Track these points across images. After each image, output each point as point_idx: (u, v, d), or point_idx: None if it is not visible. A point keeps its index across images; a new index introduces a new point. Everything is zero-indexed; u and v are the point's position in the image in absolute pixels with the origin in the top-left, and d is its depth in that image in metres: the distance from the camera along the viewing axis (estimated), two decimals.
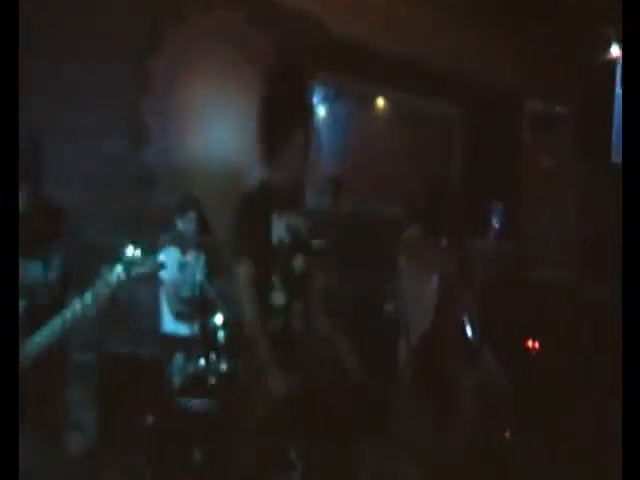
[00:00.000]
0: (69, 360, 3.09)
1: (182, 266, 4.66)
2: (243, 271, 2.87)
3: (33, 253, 2.81)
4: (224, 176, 5.60)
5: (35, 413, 2.76)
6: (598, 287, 6.40)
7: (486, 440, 3.95)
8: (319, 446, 3.14)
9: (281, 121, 2.97)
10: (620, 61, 5.57)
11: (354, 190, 6.17)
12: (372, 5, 6.40)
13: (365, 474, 4.18)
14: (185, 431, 4.05)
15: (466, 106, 7.48)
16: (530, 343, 6.31)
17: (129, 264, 2.71)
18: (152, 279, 4.61)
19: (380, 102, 7.08)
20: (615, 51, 6.17)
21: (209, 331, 4.38)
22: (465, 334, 3.86)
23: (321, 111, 6.70)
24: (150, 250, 2.75)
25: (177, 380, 4.19)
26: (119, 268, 2.71)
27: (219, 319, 4.40)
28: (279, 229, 2.92)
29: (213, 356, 4.20)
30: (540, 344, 6.31)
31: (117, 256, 2.71)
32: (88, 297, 2.71)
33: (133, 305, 4.80)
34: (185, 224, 4.61)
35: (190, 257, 4.66)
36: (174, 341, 4.54)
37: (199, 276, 4.62)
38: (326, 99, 6.73)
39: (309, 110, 3.12)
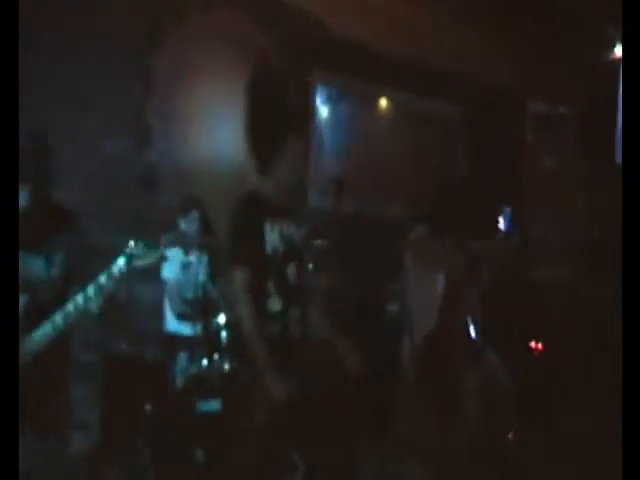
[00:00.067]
0: (71, 355, 3.13)
1: (185, 266, 4.66)
2: (239, 279, 2.93)
3: (35, 250, 2.86)
4: (227, 176, 5.59)
5: (38, 407, 2.81)
6: (601, 287, 6.39)
7: (489, 440, 3.95)
8: (321, 448, 3.15)
9: (272, 138, 3.03)
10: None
11: (356, 190, 6.18)
12: (373, 5, 6.40)
13: (368, 474, 4.18)
14: (188, 431, 4.05)
15: (468, 106, 7.49)
16: (533, 343, 6.31)
17: (131, 257, 2.77)
18: (155, 277, 4.64)
19: (382, 102, 7.08)
20: (619, 51, 6.18)
21: (212, 331, 4.38)
22: (469, 334, 3.86)
23: (323, 111, 6.70)
24: (151, 244, 2.82)
25: (180, 380, 4.18)
26: (121, 261, 2.77)
27: (222, 319, 4.41)
28: (273, 237, 2.98)
29: (216, 356, 4.20)
30: (543, 344, 6.30)
31: (120, 250, 2.76)
32: (91, 290, 2.76)
33: (136, 305, 4.81)
34: (188, 224, 4.60)
35: (193, 257, 4.66)
36: (177, 341, 4.54)
37: (202, 276, 4.62)
38: (328, 100, 6.73)
39: (301, 126, 3.14)
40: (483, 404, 3.87)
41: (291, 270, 3.04)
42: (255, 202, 3.03)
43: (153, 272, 4.70)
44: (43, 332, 2.79)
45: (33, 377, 2.78)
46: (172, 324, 4.72)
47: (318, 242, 5.58)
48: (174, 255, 4.69)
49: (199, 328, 4.48)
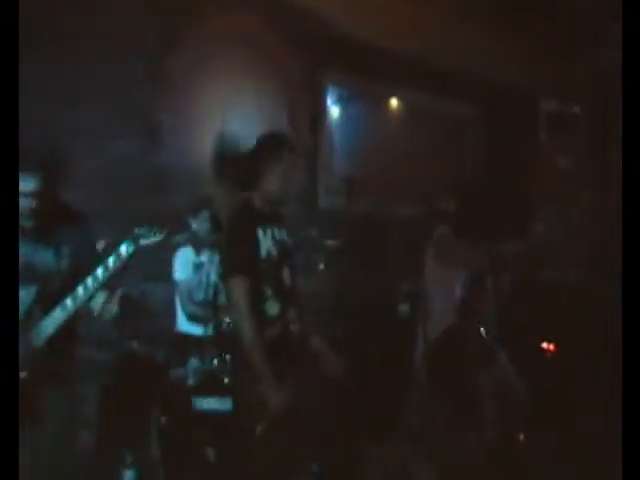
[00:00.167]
0: (80, 346, 3.18)
1: (196, 266, 4.66)
2: (237, 287, 2.97)
3: (45, 242, 2.94)
4: None
5: (46, 395, 2.89)
6: (612, 288, 6.35)
7: (502, 441, 3.93)
8: (328, 450, 3.17)
9: (263, 157, 3.14)
10: None
11: (367, 190, 6.16)
12: (386, 5, 6.38)
13: (379, 476, 4.16)
14: (199, 430, 4.05)
15: (480, 106, 7.46)
16: (545, 345, 6.28)
17: (137, 237, 2.87)
18: (166, 277, 4.66)
19: (393, 102, 7.07)
20: None
21: (223, 331, 4.37)
22: (483, 335, 3.85)
23: (334, 112, 6.69)
24: (156, 227, 2.90)
25: (191, 379, 4.18)
26: (128, 242, 2.87)
27: None
28: (266, 242, 3.06)
29: (227, 356, 4.19)
30: (555, 346, 6.27)
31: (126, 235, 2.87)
32: (99, 271, 2.86)
33: (148, 304, 4.82)
34: (199, 224, 4.61)
35: (204, 257, 4.65)
36: (188, 341, 4.53)
37: (213, 277, 4.61)
38: (339, 100, 6.72)
39: (289, 146, 3.22)
40: (496, 405, 3.86)
41: (286, 274, 3.14)
42: (247, 210, 3.12)
43: (164, 272, 4.74)
44: (54, 316, 2.89)
45: (45, 361, 2.88)
46: (183, 324, 4.72)
47: (329, 242, 5.58)
48: (185, 255, 4.71)
49: (210, 328, 4.48)
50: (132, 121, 5.33)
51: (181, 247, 4.72)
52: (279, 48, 6.17)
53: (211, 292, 4.54)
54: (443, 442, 3.65)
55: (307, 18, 6.18)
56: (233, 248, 3.08)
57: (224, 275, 3.11)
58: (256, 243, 3.03)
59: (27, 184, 2.78)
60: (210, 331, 4.45)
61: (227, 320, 4.34)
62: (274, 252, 3.09)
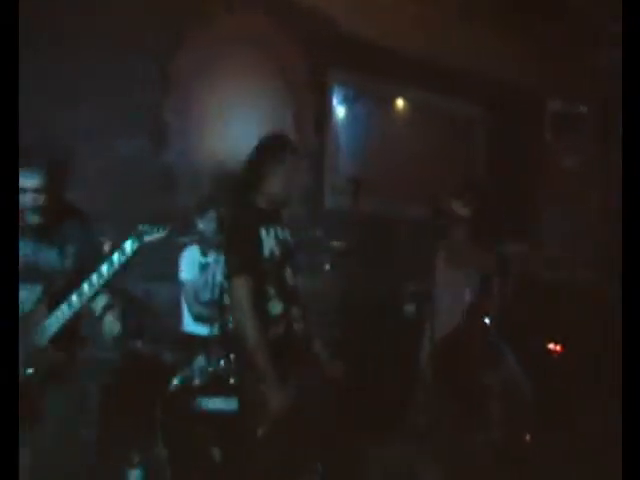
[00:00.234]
0: (83, 338, 3.20)
1: (202, 267, 4.66)
2: (241, 287, 2.97)
3: (50, 241, 2.98)
4: None
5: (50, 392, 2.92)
6: (620, 288, 6.32)
7: (508, 441, 3.92)
8: (332, 451, 3.18)
9: (265, 159, 3.15)
10: None
11: (373, 190, 6.15)
12: (393, 4, 6.38)
13: (384, 476, 4.16)
14: (205, 430, 4.05)
15: (486, 106, 7.44)
16: (552, 345, 6.26)
17: (141, 234, 2.91)
18: (172, 277, 4.67)
19: (400, 102, 7.05)
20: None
21: (229, 331, 4.37)
22: (491, 335, 3.85)
23: (340, 112, 6.69)
24: (159, 224, 2.94)
25: (197, 379, 4.18)
26: (133, 239, 2.91)
27: None
28: (269, 242, 3.07)
29: (233, 356, 4.19)
30: (561, 346, 6.25)
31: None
32: (104, 267, 2.90)
33: (154, 305, 4.83)
34: (205, 224, 4.61)
35: (210, 258, 4.66)
36: (194, 341, 4.54)
37: (219, 277, 4.60)
38: (345, 100, 6.72)
39: (291, 148, 3.24)
40: (502, 405, 3.86)
41: (288, 273, 3.15)
42: (250, 210, 3.13)
43: (170, 272, 4.74)
44: (59, 314, 2.93)
45: (49, 360, 2.91)
46: (189, 324, 4.73)
47: (335, 243, 5.57)
48: (192, 255, 4.71)
49: (216, 328, 4.48)
50: (138, 122, 5.32)
51: (187, 247, 4.73)
52: (285, 48, 6.17)
53: (217, 292, 4.54)
54: (449, 442, 3.64)
55: (313, 18, 6.18)
56: (236, 247, 3.08)
57: (227, 274, 3.10)
58: (259, 242, 3.03)
59: (31, 182, 2.82)
60: (216, 331, 4.45)
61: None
62: (277, 251, 3.09)
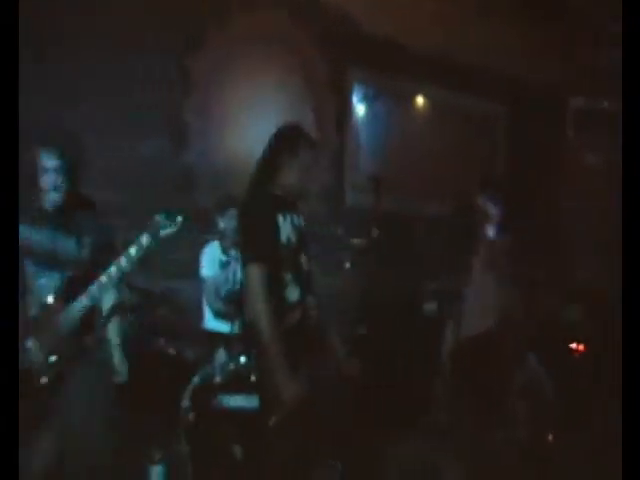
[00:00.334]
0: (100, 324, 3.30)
1: (223, 264, 4.68)
2: (255, 274, 2.92)
3: (67, 232, 3.07)
4: None
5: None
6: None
7: (531, 440, 3.90)
8: (349, 446, 3.16)
9: (281, 150, 3.12)
10: None
11: (394, 188, 6.14)
12: (411, 1, 6.36)
13: (405, 473, 4.15)
14: (226, 428, 4.06)
15: (506, 102, 7.40)
16: (574, 345, 6.22)
17: (157, 228, 3.01)
18: (193, 274, 4.69)
19: (420, 100, 7.04)
20: None
21: (250, 328, 4.38)
22: (517, 335, 3.83)
23: (360, 110, 6.69)
24: (172, 215, 3.04)
25: (218, 377, 4.19)
26: (149, 232, 3.01)
27: None
28: (286, 228, 3.03)
29: (253, 353, 4.20)
30: (584, 346, 6.21)
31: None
32: (123, 260, 2.99)
33: (175, 302, 4.85)
34: (226, 222, 4.63)
35: (231, 255, 4.67)
36: (215, 338, 4.55)
37: (240, 274, 4.61)
38: (365, 98, 6.71)
39: (306, 140, 3.21)
40: (526, 404, 3.84)
41: (304, 259, 3.13)
42: (266, 197, 3.08)
43: (191, 270, 4.77)
44: (80, 302, 3.02)
45: (70, 346, 3.02)
46: (210, 322, 4.75)
47: (355, 241, 5.57)
48: (213, 253, 4.73)
49: (237, 325, 4.49)
50: (159, 122, 5.36)
51: (208, 244, 4.76)
52: (304, 47, 6.18)
53: (238, 289, 4.55)
54: (471, 440, 3.63)
55: (332, 16, 6.18)
56: (251, 234, 3.03)
57: (243, 262, 3.05)
58: (275, 229, 3.00)
59: (50, 174, 2.96)
60: (237, 328, 4.46)
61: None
62: (293, 238, 3.06)
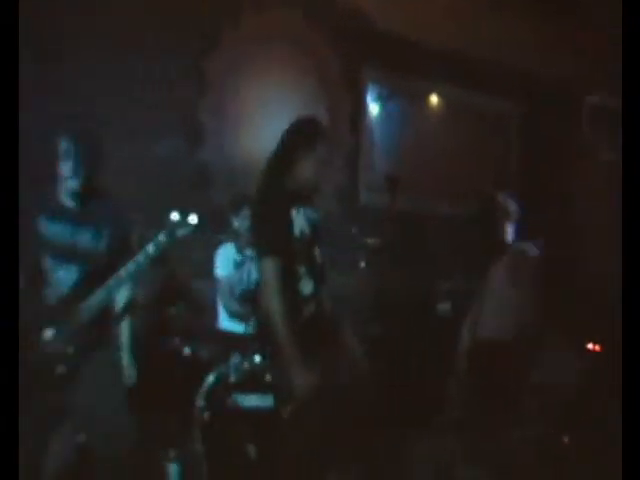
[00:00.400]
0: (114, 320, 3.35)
1: (238, 264, 4.68)
2: (269, 266, 2.93)
3: (85, 222, 3.12)
4: None
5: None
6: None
7: (547, 440, 3.88)
8: (362, 446, 3.16)
9: (300, 144, 3.11)
10: None
11: (408, 188, 6.13)
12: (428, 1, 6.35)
13: (422, 473, 4.14)
14: (240, 427, 4.07)
15: (521, 100, 7.36)
16: (590, 345, 6.18)
17: (175, 227, 3.04)
18: (208, 273, 4.71)
19: (434, 99, 7.02)
20: None
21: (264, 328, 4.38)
22: (534, 335, 3.81)
23: (374, 109, 6.68)
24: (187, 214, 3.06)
25: (233, 376, 4.20)
26: (166, 231, 3.04)
27: None
28: (300, 221, 3.03)
29: (269, 352, 4.20)
30: (600, 346, 6.16)
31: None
32: (141, 257, 3.04)
33: (191, 299, 4.87)
34: (240, 221, 4.63)
35: (246, 254, 4.68)
36: (230, 338, 4.56)
37: (254, 274, 4.63)
38: (379, 97, 6.70)
39: (324, 134, 3.19)
40: (542, 404, 3.82)
41: (317, 252, 3.12)
42: (280, 190, 3.07)
43: (205, 270, 4.78)
44: (98, 297, 3.07)
45: (88, 337, 3.07)
46: (225, 322, 4.76)
47: (369, 240, 5.56)
48: (227, 252, 4.74)
49: (251, 325, 4.50)
50: (174, 122, 5.38)
51: (223, 244, 4.77)
52: (318, 47, 6.18)
53: (252, 289, 4.56)
54: (486, 439, 3.61)
55: (346, 15, 6.18)
56: (265, 228, 3.03)
57: (257, 256, 3.07)
58: (289, 222, 3.01)
59: (69, 159, 3.02)
60: (251, 328, 4.47)
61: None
62: (307, 231, 3.06)
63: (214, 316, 4.81)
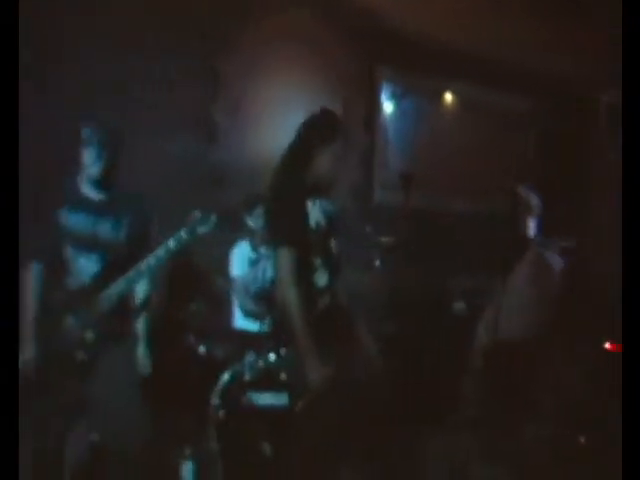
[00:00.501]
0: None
1: (252, 263, 4.70)
2: (285, 257, 2.94)
3: (105, 212, 3.20)
4: None
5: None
6: None
7: (562, 440, 3.86)
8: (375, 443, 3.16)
9: (317, 137, 3.11)
10: None
11: (423, 186, 6.12)
12: None
13: (435, 471, 4.13)
14: (256, 425, 4.08)
15: (536, 98, 7.32)
16: (608, 345, 6.14)
17: (195, 224, 3.12)
18: (223, 272, 4.72)
19: (448, 97, 7.00)
20: None
21: (279, 326, 4.39)
22: (550, 334, 3.80)
23: (388, 108, 6.67)
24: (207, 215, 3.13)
25: (248, 375, 4.22)
26: (186, 229, 3.13)
27: None
28: (315, 213, 3.04)
29: (283, 351, 4.21)
30: (619, 346, 6.12)
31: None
32: (161, 251, 3.11)
33: (208, 296, 4.89)
34: (254, 220, 4.65)
35: (261, 253, 4.69)
36: (245, 337, 4.58)
37: (269, 272, 4.63)
38: (393, 96, 6.70)
39: (341, 129, 3.19)
40: (558, 403, 3.81)
41: (333, 244, 3.12)
42: (296, 182, 3.08)
43: (221, 267, 4.80)
44: (118, 287, 3.15)
45: (106, 328, 3.14)
46: (240, 320, 4.77)
47: (384, 239, 5.55)
48: (242, 251, 4.76)
49: (266, 324, 4.51)
50: (188, 121, 5.40)
51: (237, 243, 4.78)
52: (332, 46, 6.18)
53: (267, 287, 4.57)
54: (500, 437, 3.60)
55: (360, 14, 6.16)
56: (281, 219, 3.04)
57: (273, 247, 3.08)
58: (305, 214, 3.01)
59: (92, 146, 3.10)
60: (266, 326, 4.48)
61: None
62: (322, 222, 3.06)
63: (229, 314, 4.82)
